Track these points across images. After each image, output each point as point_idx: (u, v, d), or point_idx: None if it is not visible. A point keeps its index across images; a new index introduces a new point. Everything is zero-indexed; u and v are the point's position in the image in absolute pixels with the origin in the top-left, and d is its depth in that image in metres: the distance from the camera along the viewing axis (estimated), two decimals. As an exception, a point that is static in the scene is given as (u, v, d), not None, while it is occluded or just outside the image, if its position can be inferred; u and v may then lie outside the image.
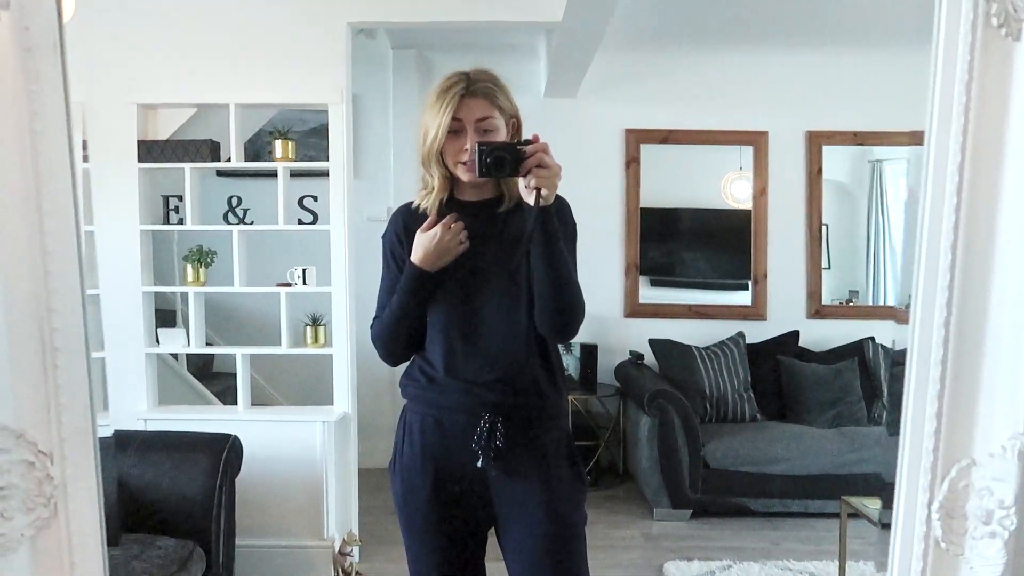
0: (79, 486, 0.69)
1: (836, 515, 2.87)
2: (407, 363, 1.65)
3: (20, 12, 0.63)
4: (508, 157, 1.43)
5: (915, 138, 4.43)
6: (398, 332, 1.58)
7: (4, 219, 0.66)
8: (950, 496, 0.72)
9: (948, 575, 0.73)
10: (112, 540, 2.17)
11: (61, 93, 0.66)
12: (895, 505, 0.73)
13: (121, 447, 2.58)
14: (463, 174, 1.52)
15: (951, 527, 0.72)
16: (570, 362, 4.54)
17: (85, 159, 3.07)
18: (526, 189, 1.44)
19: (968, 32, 0.68)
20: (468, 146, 1.49)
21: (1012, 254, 0.70)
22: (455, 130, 1.50)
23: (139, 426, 3.05)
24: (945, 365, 0.70)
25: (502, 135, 1.54)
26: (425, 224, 1.52)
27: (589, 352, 4.43)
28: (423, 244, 1.51)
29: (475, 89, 1.51)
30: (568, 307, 1.51)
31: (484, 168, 1.44)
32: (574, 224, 1.60)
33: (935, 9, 0.70)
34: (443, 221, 1.50)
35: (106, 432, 2.65)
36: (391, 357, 1.63)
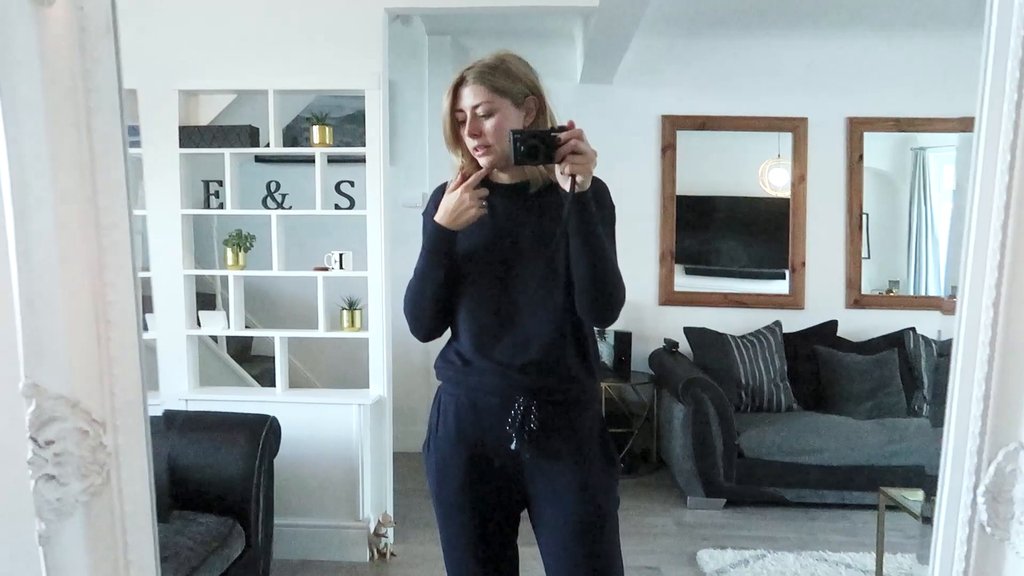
0: (131, 455, 0.71)
1: (874, 507, 2.83)
2: (443, 345, 1.66)
3: (75, -7, 0.65)
4: (542, 145, 1.43)
5: (961, 125, 4.35)
6: (423, 297, 1.58)
7: (61, 195, 0.68)
8: (996, 480, 0.70)
9: (993, 560, 0.72)
10: (162, 516, 2.23)
11: (114, 72, 0.67)
12: (939, 489, 0.72)
13: (165, 425, 2.64)
14: (482, 159, 1.54)
15: (997, 512, 0.71)
16: (604, 349, 4.54)
17: (138, 144, 3.13)
18: (561, 176, 1.44)
19: (1022, 14, 0.67)
20: (466, 133, 1.53)
21: (1065, 235, 0.68)
22: (461, 120, 1.55)
23: (181, 406, 3.12)
24: (993, 347, 0.69)
25: (509, 115, 1.53)
26: (451, 184, 1.55)
27: (623, 340, 4.41)
28: (444, 203, 1.54)
29: (468, 78, 1.53)
30: (608, 292, 1.50)
31: (519, 156, 1.44)
32: (612, 207, 1.60)
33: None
34: (467, 182, 1.52)
35: (156, 412, 2.72)
36: (417, 325, 1.62)
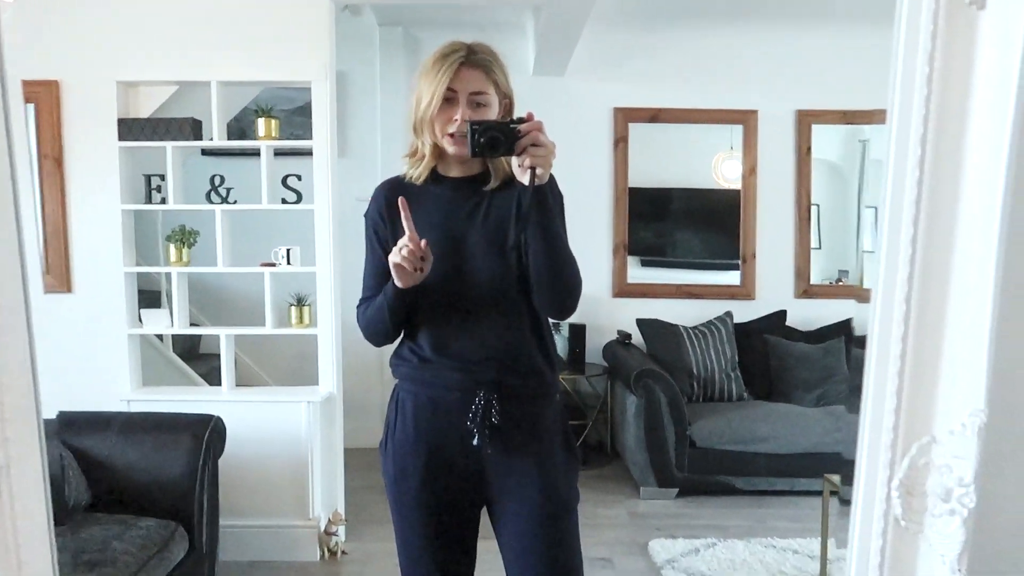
0: (23, 468, 0.68)
1: (820, 493, 2.88)
2: (398, 343, 1.62)
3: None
4: (502, 136, 1.38)
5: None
6: (385, 328, 1.55)
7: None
8: (910, 474, 0.71)
9: (907, 553, 0.72)
10: (57, 520, 2.16)
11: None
12: (855, 483, 0.73)
13: (103, 427, 2.57)
14: (450, 146, 1.49)
15: (911, 505, 0.71)
16: (559, 342, 4.55)
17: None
18: (520, 168, 1.40)
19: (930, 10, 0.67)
20: (457, 117, 1.46)
21: (975, 230, 0.68)
22: (448, 99, 1.47)
23: (123, 407, 3.03)
24: (906, 342, 0.69)
25: (493, 112, 1.50)
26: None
27: (578, 332, 4.42)
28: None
29: (474, 60, 1.48)
30: (568, 284, 1.49)
31: (477, 148, 1.39)
32: (560, 195, 1.57)
33: (899, -23, 0.68)
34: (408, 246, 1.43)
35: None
36: (375, 341, 1.60)
